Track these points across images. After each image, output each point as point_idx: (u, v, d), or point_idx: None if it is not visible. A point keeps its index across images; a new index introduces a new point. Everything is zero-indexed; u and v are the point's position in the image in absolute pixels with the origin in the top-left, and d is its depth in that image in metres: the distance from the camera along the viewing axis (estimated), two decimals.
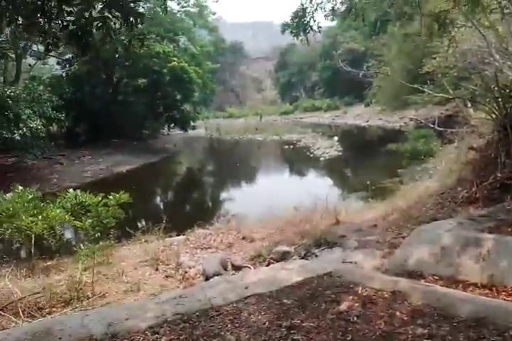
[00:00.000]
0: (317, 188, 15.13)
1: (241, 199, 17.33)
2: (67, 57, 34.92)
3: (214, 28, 48.75)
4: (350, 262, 5.12)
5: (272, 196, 15.71)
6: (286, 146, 31.67)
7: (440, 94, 10.36)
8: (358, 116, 47.88)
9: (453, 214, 5.76)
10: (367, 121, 43.56)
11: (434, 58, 20.08)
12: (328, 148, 27.31)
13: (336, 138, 32.32)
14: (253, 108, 69.56)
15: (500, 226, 4.20)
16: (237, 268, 6.38)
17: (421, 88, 11.32)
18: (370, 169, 21.32)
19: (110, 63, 34.21)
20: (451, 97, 9.59)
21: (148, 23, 32.56)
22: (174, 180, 24.41)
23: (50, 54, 34.91)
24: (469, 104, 9.83)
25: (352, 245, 5.79)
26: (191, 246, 7.56)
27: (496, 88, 6.62)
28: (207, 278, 6.18)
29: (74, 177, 22.82)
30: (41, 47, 33.42)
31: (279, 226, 7.77)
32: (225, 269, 6.35)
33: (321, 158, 24.80)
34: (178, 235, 8.38)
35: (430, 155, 17.30)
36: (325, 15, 7.78)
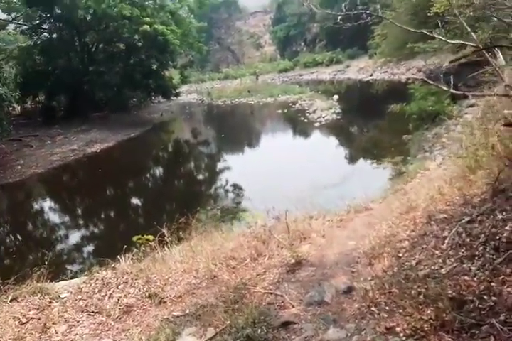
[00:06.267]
0: (296, 172, 12.45)
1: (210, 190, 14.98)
2: (33, 24, 31.08)
3: None
4: None
5: (239, 181, 13.46)
6: (280, 110, 28.45)
7: (455, 41, 7.19)
8: (361, 69, 43.88)
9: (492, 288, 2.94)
10: (371, 75, 39.67)
11: None
12: (326, 111, 24.10)
13: (335, 97, 28.91)
14: (251, 66, 64.95)
15: None
16: None
17: (429, 34, 8.10)
18: (371, 137, 18.30)
19: (82, 28, 30.72)
20: (469, 44, 6.44)
21: None
22: (149, 159, 21.65)
23: (19, 22, 31.41)
24: (499, 53, 6.73)
25: None
26: (80, 304, 4.93)
27: None
28: None
29: (41, 162, 20.58)
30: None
31: (208, 272, 5.03)
32: None
33: (316, 124, 21.67)
34: (73, 278, 5.77)
35: (443, 117, 14.16)
36: None
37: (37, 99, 32.58)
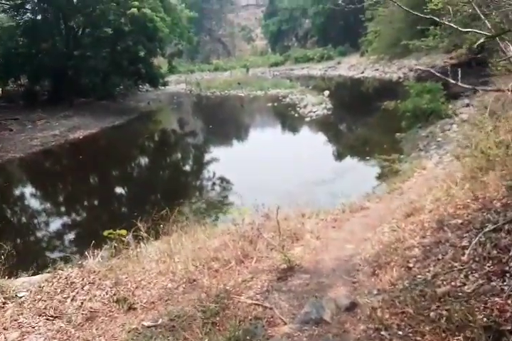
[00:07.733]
0: (285, 168, 11.95)
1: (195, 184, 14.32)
2: (15, 3, 29.65)
3: None
4: None
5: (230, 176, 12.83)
6: (270, 104, 27.85)
7: (466, 29, 6.63)
8: (352, 66, 43.49)
9: None
10: (362, 72, 39.30)
11: None
12: (317, 106, 23.60)
13: (326, 92, 28.42)
14: (241, 59, 64.22)
15: None
16: None
17: (439, 20, 7.58)
18: (362, 134, 17.86)
19: (68, 10, 29.49)
20: (481, 32, 5.90)
21: None
22: (134, 148, 20.83)
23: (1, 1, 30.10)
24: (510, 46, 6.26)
25: None
26: (38, 306, 4.33)
27: None
28: None
29: (20, 147, 19.78)
30: None
31: (186, 274, 4.45)
32: None
33: (307, 119, 21.16)
34: (35, 274, 5.17)
35: (438, 115, 13.75)
36: None
37: (19, 81, 31.42)
